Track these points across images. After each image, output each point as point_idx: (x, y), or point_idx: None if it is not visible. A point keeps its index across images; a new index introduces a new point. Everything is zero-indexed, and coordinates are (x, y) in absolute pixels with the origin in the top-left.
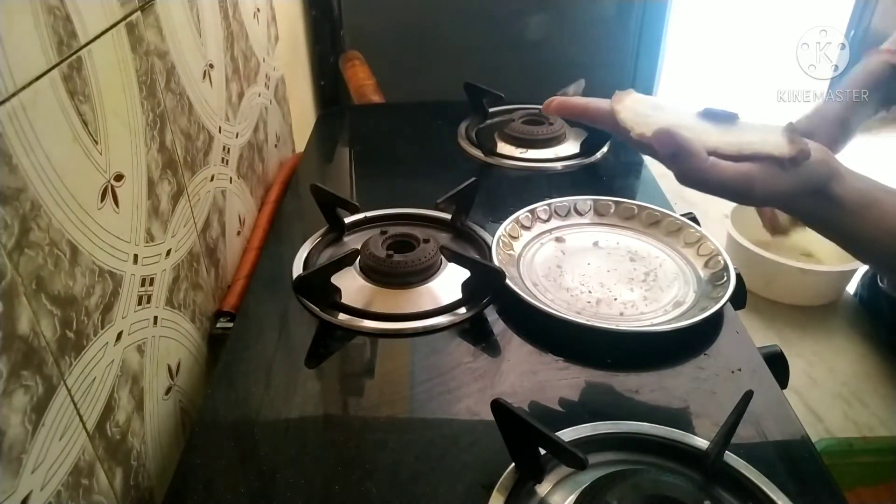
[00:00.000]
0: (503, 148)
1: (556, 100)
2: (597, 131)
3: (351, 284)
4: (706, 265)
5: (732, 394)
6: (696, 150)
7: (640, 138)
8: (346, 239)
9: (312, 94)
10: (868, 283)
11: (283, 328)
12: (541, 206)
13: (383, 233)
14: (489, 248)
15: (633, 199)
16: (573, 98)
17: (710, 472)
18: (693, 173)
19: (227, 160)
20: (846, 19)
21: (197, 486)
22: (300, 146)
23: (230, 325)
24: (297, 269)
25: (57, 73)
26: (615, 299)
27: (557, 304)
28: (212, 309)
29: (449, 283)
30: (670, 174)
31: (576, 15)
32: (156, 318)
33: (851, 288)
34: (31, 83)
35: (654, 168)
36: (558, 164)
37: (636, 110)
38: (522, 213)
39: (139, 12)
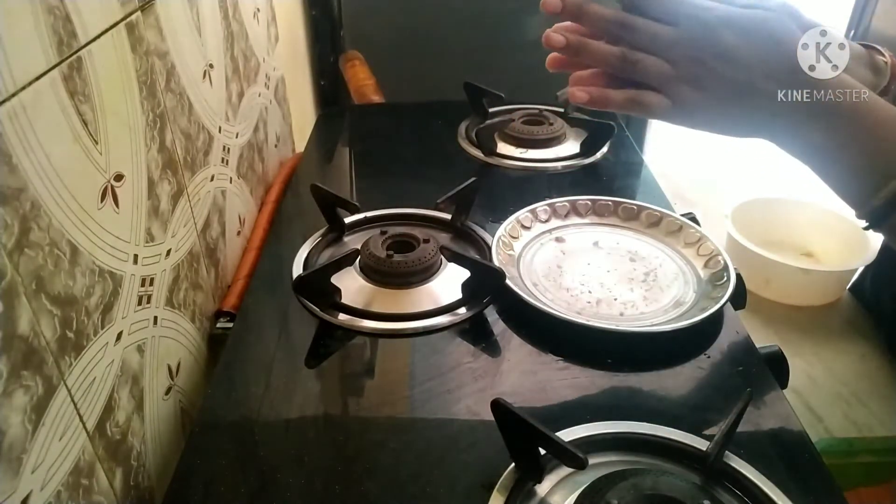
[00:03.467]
0: (503, 148)
1: None
2: (597, 132)
3: (351, 284)
4: (706, 265)
5: (732, 394)
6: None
7: None
8: (346, 239)
9: (312, 94)
10: (870, 282)
11: (283, 328)
12: (541, 206)
13: (383, 233)
14: (489, 248)
15: (633, 199)
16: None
17: (710, 472)
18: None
19: (227, 160)
20: (846, 19)
21: (197, 486)
22: (300, 146)
23: (230, 325)
24: (297, 269)
25: (57, 73)
26: (615, 299)
27: (557, 304)
28: (212, 309)
29: (449, 283)
30: (670, 174)
31: None
32: (156, 318)
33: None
34: (31, 83)
35: (654, 168)
36: (558, 164)
37: None
38: (522, 213)
39: (139, 12)
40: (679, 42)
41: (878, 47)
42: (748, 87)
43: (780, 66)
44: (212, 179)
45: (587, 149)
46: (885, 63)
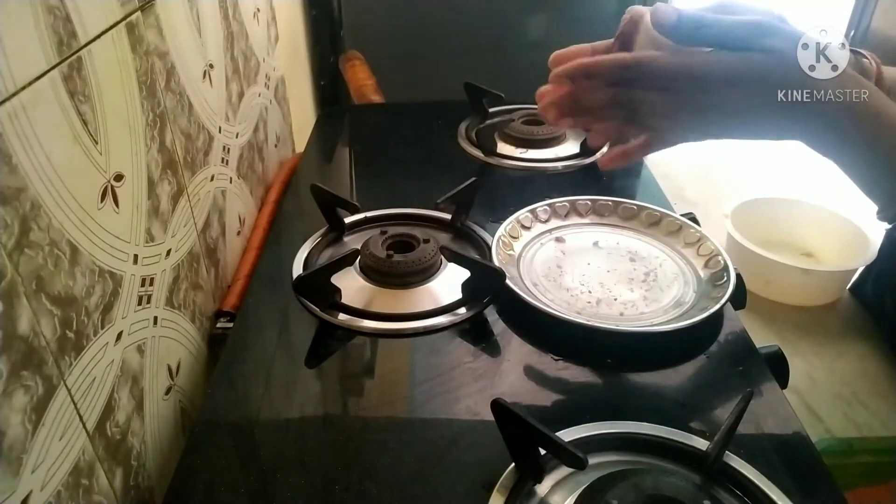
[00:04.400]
0: (503, 148)
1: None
2: None
3: (351, 284)
4: (706, 265)
5: (732, 394)
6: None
7: None
8: (346, 239)
9: (312, 94)
10: (872, 282)
11: (283, 328)
12: (541, 206)
13: (383, 233)
14: (489, 248)
15: (633, 199)
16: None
17: (710, 472)
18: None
19: (227, 160)
20: (846, 19)
21: (197, 486)
22: (300, 146)
23: (230, 325)
24: (297, 269)
25: (57, 73)
26: (615, 299)
27: (557, 304)
28: (212, 309)
29: (449, 283)
30: (670, 174)
31: (576, 15)
32: (156, 318)
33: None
34: (31, 83)
35: (654, 168)
36: (558, 164)
37: None
38: (522, 213)
39: (139, 12)
40: (683, 107)
41: (862, 52)
42: (763, 118)
43: (790, 82)
44: (212, 179)
45: (587, 149)
46: (871, 65)
